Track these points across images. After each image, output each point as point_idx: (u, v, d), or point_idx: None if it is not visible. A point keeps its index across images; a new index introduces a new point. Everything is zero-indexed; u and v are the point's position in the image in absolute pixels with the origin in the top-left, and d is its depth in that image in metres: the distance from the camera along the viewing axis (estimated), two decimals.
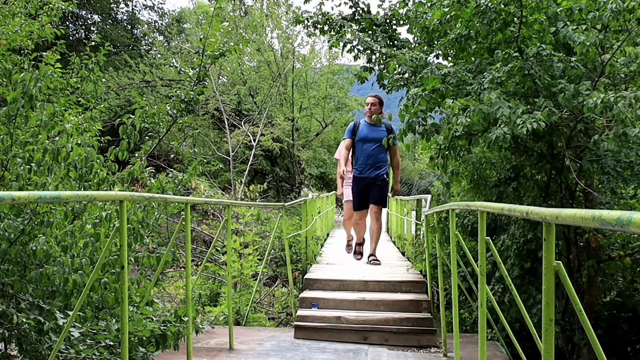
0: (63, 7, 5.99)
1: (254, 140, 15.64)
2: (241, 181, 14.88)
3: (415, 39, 7.01)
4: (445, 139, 4.97)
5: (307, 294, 6.17)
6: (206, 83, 15.59)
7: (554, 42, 5.28)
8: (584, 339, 5.43)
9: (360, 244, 7.90)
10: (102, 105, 5.90)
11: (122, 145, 4.82)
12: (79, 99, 6.09)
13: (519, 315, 4.99)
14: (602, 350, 2.04)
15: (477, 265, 3.40)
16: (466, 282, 5.79)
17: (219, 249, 9.57)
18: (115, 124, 5.15)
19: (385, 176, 7.32)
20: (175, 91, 5.85)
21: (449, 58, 6.40)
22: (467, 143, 5.45)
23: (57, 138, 4.10)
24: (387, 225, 14.61)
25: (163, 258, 4.33)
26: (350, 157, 7.49)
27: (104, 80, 6.33)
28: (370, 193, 7.24)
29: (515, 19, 5.12)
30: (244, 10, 20.26)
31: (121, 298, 3.03)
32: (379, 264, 7.52)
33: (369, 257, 7.70)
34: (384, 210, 8.83)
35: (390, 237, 12.70)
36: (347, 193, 7.81)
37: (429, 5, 6.44)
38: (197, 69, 6.14)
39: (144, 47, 24.49)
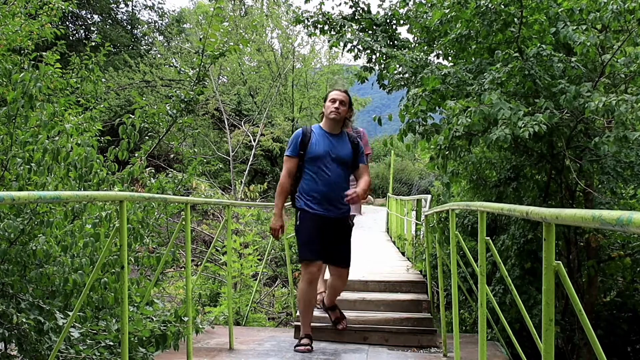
0: (63, 7, 5.99)
1: (254, 140, 15.64)
2: (241, 181, 14.89)
3: (416, 39, 7.01)
4: (446, 139, 4.97)
5: None
6: (206, 83, 15.59)
7: (554, 43, 5.28)
8: (584, 339, 5.43)
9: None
10: (102, 105, 5.90)
11: (122, 145, 4.82)
12: (79, 99, 6.09)
13: (519, 315, 4.99)
14: (602, 350, 2.04)
15: (477, 266, 3.40)
16: (466, 282, 5.79)
17: (219, 249, 9.58)
18: (115, 124, 5.15)
19: (350, 220, 4.83)
20: (175, 91, 5.85)
21: (449, 58, 6.40)
22: (467, 143, 5.46)
23: (57, 138, 4.10)
24: (387, 225, 14.61)
25: (163, 258, 4.33)
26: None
27: (104, 80, 6.34)
28: (331, 244, 4.60)
29: (516, 19, 5.12)
30: (244, 10, 20.27)
31: (121, 298, 3.03)
32: (344, 325, 5.24)
33: (325, 308, 5.28)
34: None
35: (390, 237, 12.71)
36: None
37: (429, 5, 6.44)
38: (197, 69, 6.14)
39: (144, 47, 24.49)
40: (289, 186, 4.61)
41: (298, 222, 4.59)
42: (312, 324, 4.88)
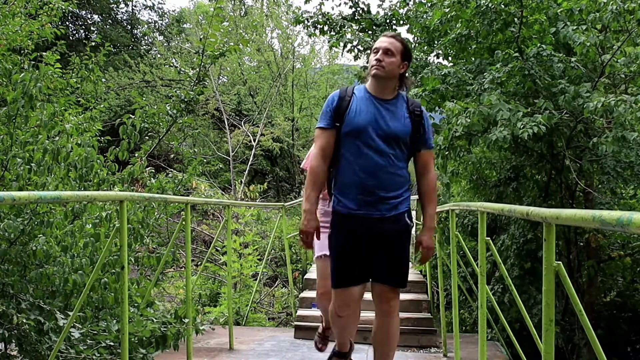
0: (63, 7, 5.99)
1: (254, 140, 15.65)
2: (241, 181, 14.89)
3: (416, 38, 7.01)
4: (445, 139, 4.98)
5: (307, 294, 6.16)
6: (206, 83, 15.60)
7: (554, 43, 5.28)
8: (584, 339, 5.43)
9: (344, 354, 3.49)
10: (102, 105, 5.90)
11: (122, 145, 4.82)
12: (79, 99, 6.09)
13: (519, 315, 4.99)
14: (602, 350, 2.04)
15: (477, 266, 3.40)
16: (466, 282, 5.79)
17: (219, 249, 9.57)
18: (115, 124, 5.15)
19: (407, 217, 3.12)
20: (175, 91, 5.85)
21: (449, 58, 6.41)
22: (467, 143, 5.46)
23: (57, 138, 4.10)
24: None
25: (163, 258, 4.34)
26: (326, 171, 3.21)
27: (104, 80, 6.35)
28: (374, 255, 3.06)
29: (516, 19, 5.12)
30: (244, 10, 20.27)
31: (121, 298, 3.03)
32: None
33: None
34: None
35: None
36: (321, 242, 3.46)
37: (429, 5, 6.44)
38: (197, 69, 6.14)
39: (144, 47, 24.50)
40: (323, 172, 3.06)
41: (330, 231, 3.13)
42: (312, 324, 4.86)
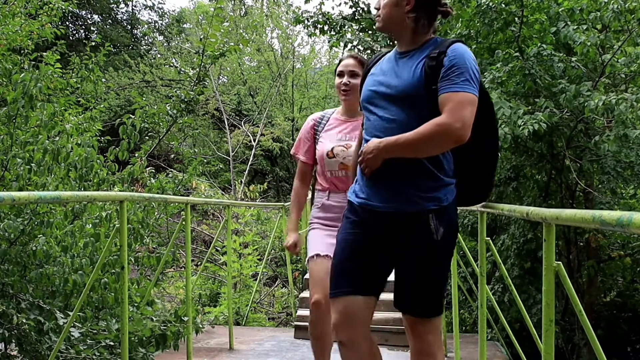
0: (63, 7, 5.98)
1: (254, 140, 15.65)
2: (241, 181, 14.89)
3: None
4: None
5: (307, 294, 6.16)
6: (206, 83, 15.60)
7: (555, 42, 5.28)
8: (584, 339, 5.43)
9: None
10: (102, 105, 5.90)
11: (122, 145, 4.82)
12: (79, 99, 6.09)
13: (519, 315, 4.99)
14: (602, 350, 2.04)
15: (477, 266, 3.40)
16: (466, 282, 5.79)
17: (218, 249, 9.57)
18: (115, 124, 5.15)
19: (446, 210, 2.10)
20: (175, 91, 5.85)
21: None
22: None
23: (57, 138, 4.10)
24: None
25: (163, 258, 4.33)
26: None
27: (104, 80, 6.35)
28: (395, 267, 2.20)
29: (516, 18, 5.12)
30: (244, 10, 20.27)
31: (121, 298, 3.03)
32: None
33: None
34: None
35: None
36: (314, 239, 2.86)
37: None
38: (197, 69, 6.14)
39: (144, 47, 24.49)
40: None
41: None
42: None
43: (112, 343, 3.61)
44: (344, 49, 6.67)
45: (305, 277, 6.77)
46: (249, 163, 15.26)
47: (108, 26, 24.40)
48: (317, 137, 2.95)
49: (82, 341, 3.51)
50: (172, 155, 16.33)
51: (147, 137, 6.29)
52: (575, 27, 4.87)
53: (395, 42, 2.19)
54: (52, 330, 3.34)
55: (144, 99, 7.59)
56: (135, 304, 4.17)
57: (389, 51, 2.26)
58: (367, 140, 2.11)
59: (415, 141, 1.97)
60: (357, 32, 6.88)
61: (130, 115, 5.09)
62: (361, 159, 2.09)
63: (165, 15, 26.79)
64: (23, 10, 5.76)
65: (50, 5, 5.93)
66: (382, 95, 2.11)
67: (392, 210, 2.07)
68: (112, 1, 24.62)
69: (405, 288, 2.16)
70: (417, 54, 2.09)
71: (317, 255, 2.78)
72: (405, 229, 2.07)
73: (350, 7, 7.21)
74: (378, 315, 5.56)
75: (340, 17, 7.09)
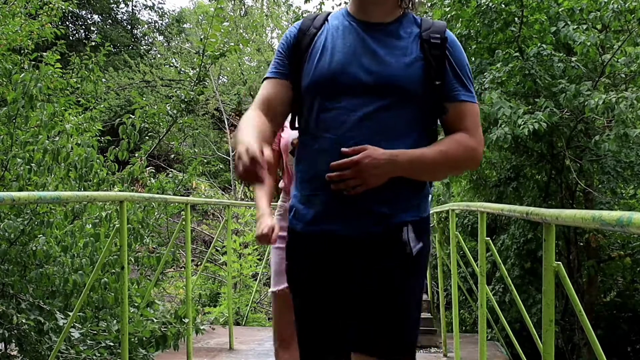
0: (63, 7, 5.99)
1: None
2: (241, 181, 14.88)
3: None
4: None
5: None
6: (206, 83, 15.60)
7: (555, 42, 5.28)
8: (584, 339, 5.43)
9: None
10: (102, 105, 5.90)
11: (122, 145, 4.82)
12: (79, 99, 6.09)
13: (519, 315, 4.99)
14: (602, 350, 2.04)
15: (477, 266, 3.40)
16: (466, 282, 5.80)
17: (218, 249, 9.57)
18: (115, 124, 5.15)
19: (408, 232, 1.56)
20: (175, 91, 5.86)
21: None
22: None
23: (57, 138, 4.10)
24: None
25: (163, 258, 4.33)
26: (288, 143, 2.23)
27: (104, 80, 6.35)
28: (358, 303, 1.55)
29: (516, 18, 5.12)
30: (244, 10, 20.27)
31: (121, 298, 3.03)
32: None
33: None
34: None
35: None
36: (277, 267, 2.35)
37: (429, 5, 6.44)
38: (197, 69, 6.15)
39: (144, 47, 24.50)
40: (260, 118, 1.59)
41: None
42: None
43: (112, 343, 3.61)
44: None
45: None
46: None
47: (108, 26, 24.40)
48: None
49: (82, 341, 3.51)
50: (172, 155, 16.33)
51: (147, 137, 6.29)
52: (575, 27, 4.87)
53: (359, 6, 1.60)
54: (52, 331, 3.34)
55: (144, 99, 7.59)
56: (136, 304, 4.17)
57: (329, 14, 1.67)
58: (328, 139, 1.50)
59: (441, 163, 1.55)
60: None
61: (130, 115, 5.09)
62: (347, 174, 1.46)
63: (165, 15, 26.79)
64: (23, 10, 5.76)
65: (50, 5, 5.93)
66: (357, 82, 1.52)
67: (357, 234, 1.52)
68: (112, 1, 24.63)
69: (363, 318, 1.53)
70: (396, 31, 1.58)
71: (281, 291, 2.23)
72: (371, 252, 1.53)
73: None
74: None
75: None
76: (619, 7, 4.54)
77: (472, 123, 1.59)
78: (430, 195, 1.70)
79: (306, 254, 1.60)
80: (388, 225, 1.53)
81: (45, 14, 5.90)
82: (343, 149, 1.47)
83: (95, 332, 3.63)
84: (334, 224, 1.53)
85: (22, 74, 3.87)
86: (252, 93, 19.64)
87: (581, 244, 5.92)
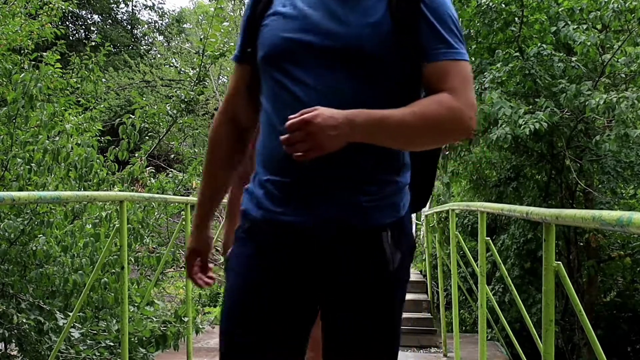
0: (63, 7, 5.98)
1: None
2: None
3: None
4: None
5: None
6: (206, 83, 15.60)
7: (555, 42, 5.28)
8: (584, 339, 5.43)
9: None
10: (102, 105, 5.90)
11: (122, 145, 4.82)
12: (79, 99, 6.09)
13: (519, 315, 4.99)
14: (602, 350, 2.03)
15: (477, 266, 3.40)
16: (466, 282, 5.80)
17: (218, 248, 9.56)
18: (115, 124, 5.15)
19: (403, 224, 1.32)
20: (175, 91, 5.87)
21: None
22: (467, 143, 5.45)
23: (57, 138, 4.10)
24: None
25: (163, 258, 4.33)
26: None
27: (104, 80, 6.35)
28: (326, 307, 1.32)
29: (516, 18, 5.12)
30: (244, 10, 20.26)
31: (121, 298, 3.03)
32: None
33: None
34: None
35: None
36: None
37: None
38: (197, 69, 6.15)
39: (144, 47, 24.50)
40: (227, 137, 1.48)
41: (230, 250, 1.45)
42: None
43: (112, 343, 3.61)
44: None
45: None
46: None
47: (108, 26, 24.39)
48: None
49: (82, 341, 3.51)
50: (172, 155, 16.32)
51: (147, 137, 6.30)
52: (575, 27, 4.87)
53: None
54: (52, 331, 3.34)
55: (144, 99, 7.59)
56: (136, 304, 4.17)
57: None
58: (284, 119, 1.17)
59: (414, 125, 1.19)
60: None
61: (130, 115, 5.09)
62: (296, 136, 1.14)
63: (165, 15, 26.78)
64: (23, 10, 5.76)
65: (50, 5, 5.93)
66: (314, 48, 1.25)
67: (322, 225, 1.24)
68: (112, 1, 24.63)
69: (339, 339, 1.34)
70: None
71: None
72: (343, 254, 1.26)
73: None
74: None
75: None
76: (619, 6, 4.54)
77: (458, 82, 1.23)
78: (407, 186, 1.35)
79: (258, 242, 1.31)
80: (367, 222, 1.26)
81: (45, 14, 5.90)
82: (289, 116, 1.15)
83: (95, 332, 3.63)
84: (293, 214, 1.25)
85: (22, 74, 3.88)
86: None
87: (581, 244, 5.92)
